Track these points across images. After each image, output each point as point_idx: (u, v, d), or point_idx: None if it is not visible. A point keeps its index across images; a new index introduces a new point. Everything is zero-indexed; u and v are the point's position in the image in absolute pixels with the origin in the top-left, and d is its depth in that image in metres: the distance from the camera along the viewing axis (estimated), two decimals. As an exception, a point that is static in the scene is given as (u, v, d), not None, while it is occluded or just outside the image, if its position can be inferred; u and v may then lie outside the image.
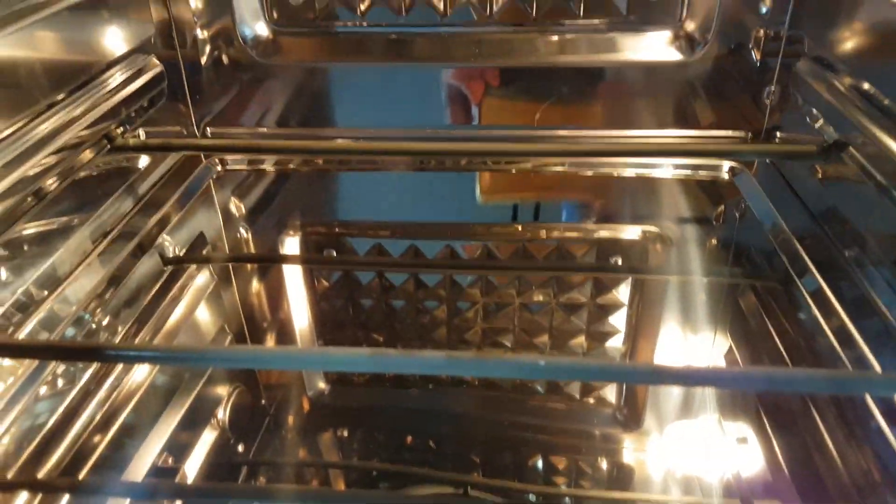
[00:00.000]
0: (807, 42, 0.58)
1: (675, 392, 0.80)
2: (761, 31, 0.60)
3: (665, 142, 0.67)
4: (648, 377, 0.47)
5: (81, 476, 0.54)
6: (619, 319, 0.80)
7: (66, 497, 0.52)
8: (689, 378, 0.41)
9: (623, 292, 0.79)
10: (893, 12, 0.47)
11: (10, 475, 0.48)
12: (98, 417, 0.57)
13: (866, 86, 0.50)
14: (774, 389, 0.58)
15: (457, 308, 0.82)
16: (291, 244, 0.78)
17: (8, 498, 0.48)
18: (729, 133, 0.65)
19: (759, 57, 0.61)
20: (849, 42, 0.53)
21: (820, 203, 0.57)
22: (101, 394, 0.57)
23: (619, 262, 0.76)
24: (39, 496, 0.50)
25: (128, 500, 0.58)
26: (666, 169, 0.68)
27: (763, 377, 0.37)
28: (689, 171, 0.68)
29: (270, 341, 0.85)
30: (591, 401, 0.87)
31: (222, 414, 0.78)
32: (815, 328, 0.55)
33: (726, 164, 0.67)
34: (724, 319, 0.73)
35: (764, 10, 0.59)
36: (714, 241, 0.71)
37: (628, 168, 0.69)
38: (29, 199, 0.49)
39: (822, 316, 0.53)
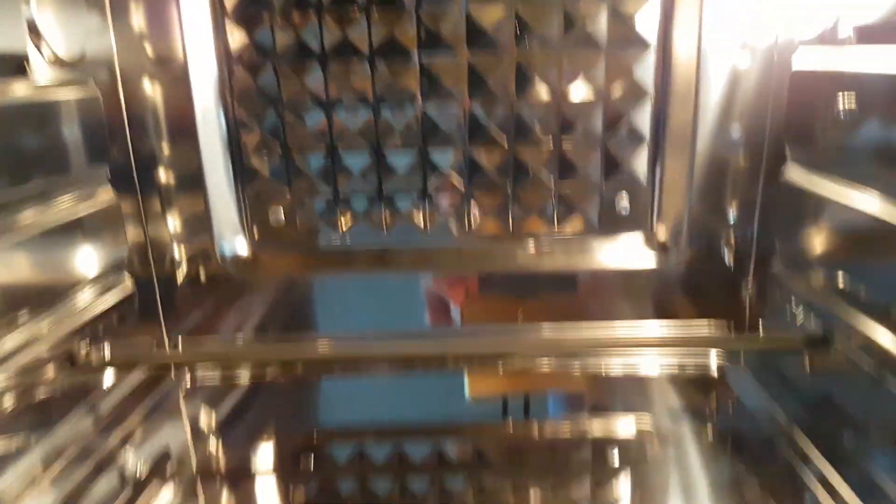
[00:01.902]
0: (778, 243, 0.60)
1: None
2: (731, 235, 0.61)
3: (649, 335, 0.67)
4: None
5: None
6: (619, 520, 0.74)
7: None
8: None
9: (622, 488, 0.74)
10: (853, 216, 0.49)
11: None
12: None
13: (841, 280, 0.51)
14: None
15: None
16: (265, 455, 0.73)
17: None
18: (712, 324, 0.65)
19: (731, 258, 0.62)
20: (817, 242, 0.54)
21: (813, 392, 0.56)
22: None
23: (616, 458, 0.72)
24: None
25: None
26: (653, 365, 0.67)
27: None
28: (676, 370, 0.67)
29: (238, 570, 0.77)
30: None
31: None
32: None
33: (713, 355, 0.66)
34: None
35: (732, 219, 0.61)
36: (711, 433, 0.69)
37: (615, 368, 0.68)
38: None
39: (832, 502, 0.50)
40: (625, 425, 0.71)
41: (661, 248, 0.64)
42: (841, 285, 0.51)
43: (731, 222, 0.61)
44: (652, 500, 0.72)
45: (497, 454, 0.73)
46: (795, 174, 0.56)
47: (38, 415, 0.52)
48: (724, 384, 0.66)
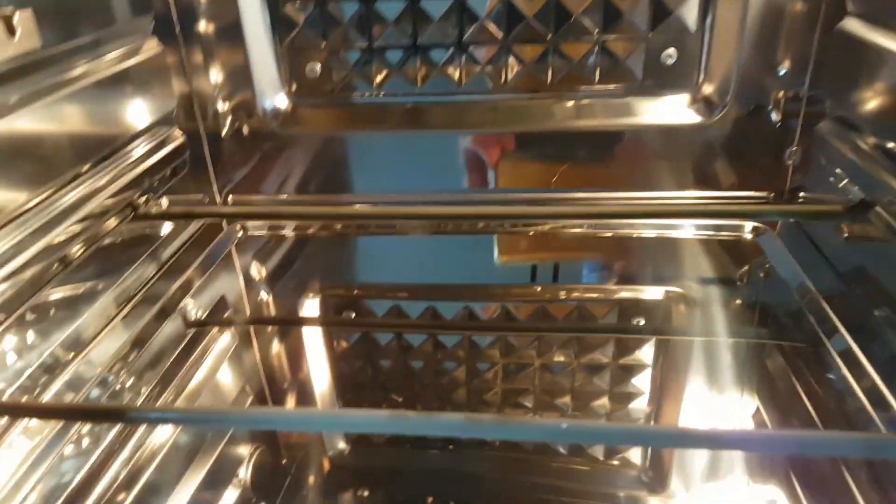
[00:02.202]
0: (828, 102, 0.58)
1: (702, 454, 0.77)
2: (780, 93, 0.59)
3: (685, 203, 0.66)
4: (679, 440, 0.46)
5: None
6: (642, 381, 0.79)
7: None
8: (721, 441, 0.40)
9: (646, 353, 0.77)
10: None
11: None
12: (122, 477, 0.57)
13: (891, 144, 0.50)
14: (810, 453, 0.56)
15: (476, 369, 0.81)
16: (311, 306, 0.78)
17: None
18: (751, 194, 0.64)
19: (779, 118, 0.60)
20: (871, 101, 0.52)
21: (846, 262, 0.55)
22: (125, 454, 0.58)
23: (642, 323, 0.75)
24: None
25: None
26: (687, 229, 0.67)
27: (798, 441, 0.36)
28: (711, 232, 0.67)
29: (291, 402, 0.84)
30: (616, 462, 0.85)
31: (244, 473, 0.78)
32: (844, 389, 0.53)
33: (749, 225, 0.66)
34: (751, 381, 0.71)
35: (782, 72, 0.58)
36: (739, 302, 0.70)
37: (648, 229, 0.68)
38: (55, 265, 0.50)
39: (853, 376, 0.51)
40: (653, 291, 0.73)
41: (707, 105, 0.62)
42: (891, 148, 0.50)
43: (782, 78, 0.59)
44: (674, 364, 0.76)
45: (525, 315, 0.76)
46: (854, 25, 0.53)
47: (107, 262, 0.56)
48: (758, 252, 0.66)
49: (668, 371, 0.76)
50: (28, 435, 0.47)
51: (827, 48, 0.56)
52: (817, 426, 0.58)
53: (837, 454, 0.53)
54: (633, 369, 0.78)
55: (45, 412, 0.46)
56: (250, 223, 0.71)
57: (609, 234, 0.69)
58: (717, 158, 0.64)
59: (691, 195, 0.65)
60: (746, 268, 0.68)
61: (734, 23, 0.57)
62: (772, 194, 0.64)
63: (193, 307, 0.68)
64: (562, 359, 0.79)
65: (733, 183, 0.64)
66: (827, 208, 0.56)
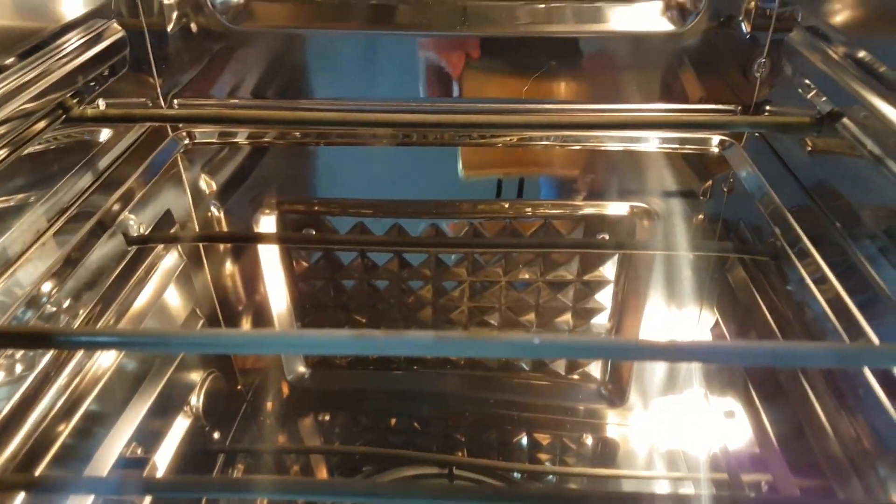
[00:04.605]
0: (800, 13, 0.57)
1: (660, 367, 0.79)
2: (752, 2, 0.58)
3: (653, 114, 0.65)
4: (647, 353, 0.45)
5: (39, 471, 0.50)
6: (605, 296, 0.79)
7: (22, 495, 0.48)
8: (687, 353, 0.40)
9: (609, 269, 0.77)
10: None
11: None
12: (59, 405, 0.53)
13: (862, 54, 0.49)
14: (778, 365, 0.57)
15: (442, 287, 0.79)
16: (267, 223, 0.74)
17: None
18: (718, 107, 0.64)
19: (749, 29, 0.60)
20: (843, 10, 0.51)
21: (811, 176, 0.56)
22: (63, 379, 0.53)
23: (606, 238, 0.74)
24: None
25: (92, 497, 0.54)
26: (653, 142, 0.67)
27: (766, 352, 0.36)
28: (676, 145, 0.67)
29: (246, 325, 0.81)
30: (576, 377, 0.86)
31: (196, 400, 0.75)
32: (805, 300, 0.54)
33: (716, 138, 0.65)
34: (712, 294, 0.72)
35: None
36: (702, 216, 0.70)
37: (615, 142, 0.67)
38: (-27, 171, 0.45)
39: (814, 286, 0.52)
40: (618, 206, 0.73)
41: (680, 12, 0.60)
42: (860, 58, 0.49)
43: (755, -14, 0.57)
44: (637, 279, 0.76)
45: (491, 232, 0.75)
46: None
47: (37, 170, 0.52)
48: (723, 165, 0.66)
49: (630, 286, 0.77)
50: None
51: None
52: (777, 338, 0.59)
53: (809, 365, 0.54)
54: (596, 285, 0.78)
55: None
56: (199, 129, 0.66)
57: (576, 148, 0.68)
58: (686, 70, 0.63)
59: (660, 107, 0.65)
60: (711, 182, 0.68)
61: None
62: (738, 108, 0.64)
63: (135, 222, 0.63)
64: (527, 276, 0.78)
65: (701, 96, 0.64)
66: (795, 120, 0.55)
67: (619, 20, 0.62)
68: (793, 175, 0.58)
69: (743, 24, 0.60)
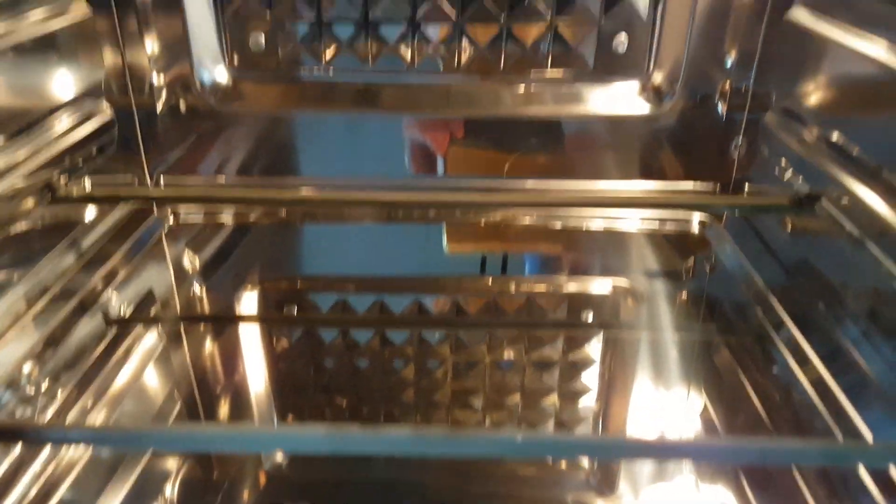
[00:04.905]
0: (774, 94, 0.59)
1: (650, 454, 0.77)
2: (727, 84, 0.60)
3: (633, 193, 0.66)
4: (634, 452, 0.44)
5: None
6: (591, 377, 0.78)
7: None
8: (675, 452, 0.39)
9: (595, 349, 0.76)
10: (857, 63, 0.47)
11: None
12: (32, 495, 0.51)
13: (836, 136, 0.51)
14: (765, 462, 0.56)
15: (425, 367, 0.78)
16: (249, 301, 0.74)
17: None
18: (697, 185, 0.65)
19: (724, 110, 0.61)
20: (816, 93, 0.53)
21: (792, 255, 0.56)
22: (36, 467, 0.51)
23: (591, 318, 0.74)
24: None
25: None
26: (634, 221, 0.68)
27: (753, 450, 0.35)
28: (657, 224, 0.67)
29: (224, 408, 0.79)
30: (563, 466, 0.83)
31: (170, 491, 0.72)
32: (791, 383, 0.53)
33: (696, 217, 0.66)
34: (699, 376, 0.71)
35: (729, 63, 0.59)
36: (686, 296, 0.70)
37: (596, 220, 0.68)
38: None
39: (800, 369, 0.52)
40: (601, 284, 0.73)
41: (656, 94, 0.62)
42: (835, 141, 0.50)
43: (729, 69, 0.59)
44: (622, 360, 0.75)
45: (475, 309, 0.74)
46: (801, 15, 0.55)
47: (19, 250, 0.51)
48: (704, 244, 0.67)
49: (616, 367, 0.76)
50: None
51: (774, 40, 0.57)
52: (765, 423, 0.58)
53: (798, 462, 0.53)
54: (581, 365, 0.77)
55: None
56: (183, 207, 0.66)
57: (558, 225, 0.68)
58: (664, 149, 0.64)
59: (639, 186, 0.66)
60: (693, 260, 0.69)
61: (684, 11, 0.58)
62: (717, 186, 0.65)
63: (117, 302, 0.62)
64: (511, 355, 0.77)
65: (679, 174, 0.65)
66: (774, 201, 0.56)
67: (597, 102, 0.64)
68: (774, 255, 0.58)
69: (719, 105, 0.61)
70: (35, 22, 0.51)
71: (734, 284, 0.62)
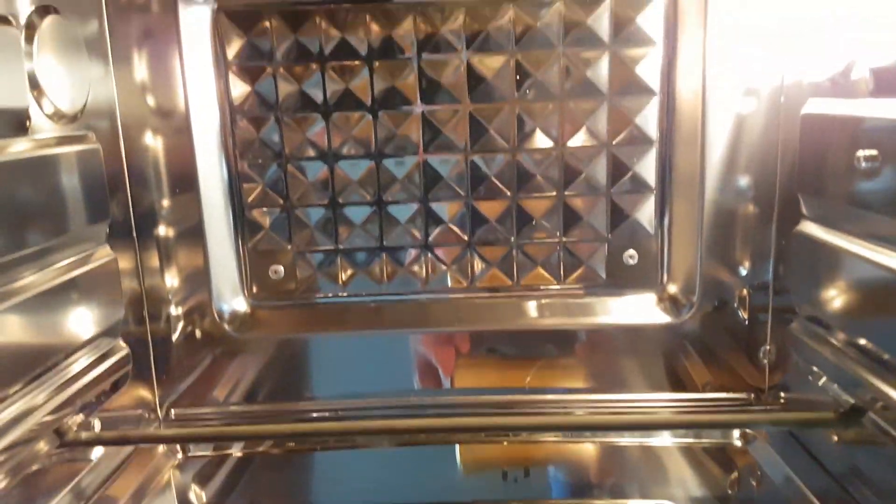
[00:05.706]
0: (795, 301, 0.58)
1: None
2: (745, 291, 0.60)
3: (665, 409, 0.63)
4: None
5: None
6: None
7: None
8: None
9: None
10: (874, 271, 0.46)
11: None
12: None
13: (862, 341, 0.48)
14: None
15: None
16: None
17: None
18: (731, 395, 0.62)
19: (746, 316, 0.60)
20: (836, 300, 0.52)
21: (840, 465, 0.53)
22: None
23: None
24: None
25: None
26: (668, 440, 0.64)
27: None
28: (693, 438, 0.63)
29: None
30: None
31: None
32: None
33: (737, 431, 0.63)
34: None
35: (744, 272, 0.59)
36: (733, 513, 0.64)
37: (627, 443, 0.64)
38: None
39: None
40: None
41: (674, 304, 0.62)
42: (867, 348, 0.49)
43: (745, 277, 0.59)
44: None
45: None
46: (812, 228, 0.55)
47: (27, 491, 0.48)
48: (747, 457, 0.63)
49: None
50: None
51: (788, 249, 0.57)
52: None
53: None
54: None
55: None
56: (192, 445, 0.64)
57: (587, 444, 0.64)
58: (692, 358, 0.62)
59: (668, 397, 0.63)
60: (736, 474, 0.63)
61: (691, 225, 0.59)
62: (752, 395, 0.62)
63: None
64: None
65: (710, 383, 0.62)
66: (818, 416, 0.53)
67: (614, 312, 0.63)
68: (820, 464, 0.54)
69: (740, 312, 0.60)
70: (60, 270, 0.51)
71: (782, 497, 0.57)
